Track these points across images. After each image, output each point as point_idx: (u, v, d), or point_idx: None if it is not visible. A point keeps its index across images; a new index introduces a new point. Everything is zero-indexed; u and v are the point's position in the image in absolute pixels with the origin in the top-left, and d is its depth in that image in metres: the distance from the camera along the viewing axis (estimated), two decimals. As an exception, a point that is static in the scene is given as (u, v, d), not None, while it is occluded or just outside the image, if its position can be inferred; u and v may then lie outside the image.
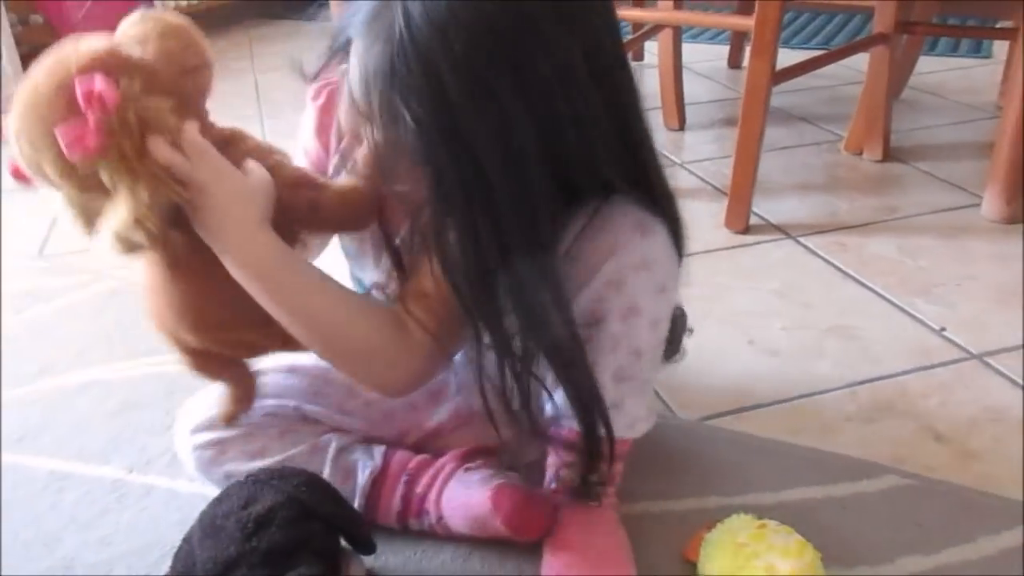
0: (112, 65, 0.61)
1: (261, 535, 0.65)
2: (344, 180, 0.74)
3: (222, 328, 0.73)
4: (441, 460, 0.81)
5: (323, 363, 0.74)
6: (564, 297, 0.65)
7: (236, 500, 0.68)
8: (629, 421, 0.73)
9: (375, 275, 0.83)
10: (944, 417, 0.94)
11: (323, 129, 0.82)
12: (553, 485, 0.76)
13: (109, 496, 0.87)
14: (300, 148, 0.86)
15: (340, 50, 0.66)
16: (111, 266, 1.39)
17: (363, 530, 0.73)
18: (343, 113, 0.68)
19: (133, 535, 0.82)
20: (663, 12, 1.79)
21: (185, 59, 0.67)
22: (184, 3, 2.83)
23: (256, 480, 0.69)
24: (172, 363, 1.08)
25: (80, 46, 0.62)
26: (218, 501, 0.70)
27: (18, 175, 0.65)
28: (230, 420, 0.79)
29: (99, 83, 0.58)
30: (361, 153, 0.67)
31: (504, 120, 0.58)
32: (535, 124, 0.59)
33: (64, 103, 0.59)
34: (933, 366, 1.03)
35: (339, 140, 0.81)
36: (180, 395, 1.01)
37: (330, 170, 0.81)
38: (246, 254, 0.67)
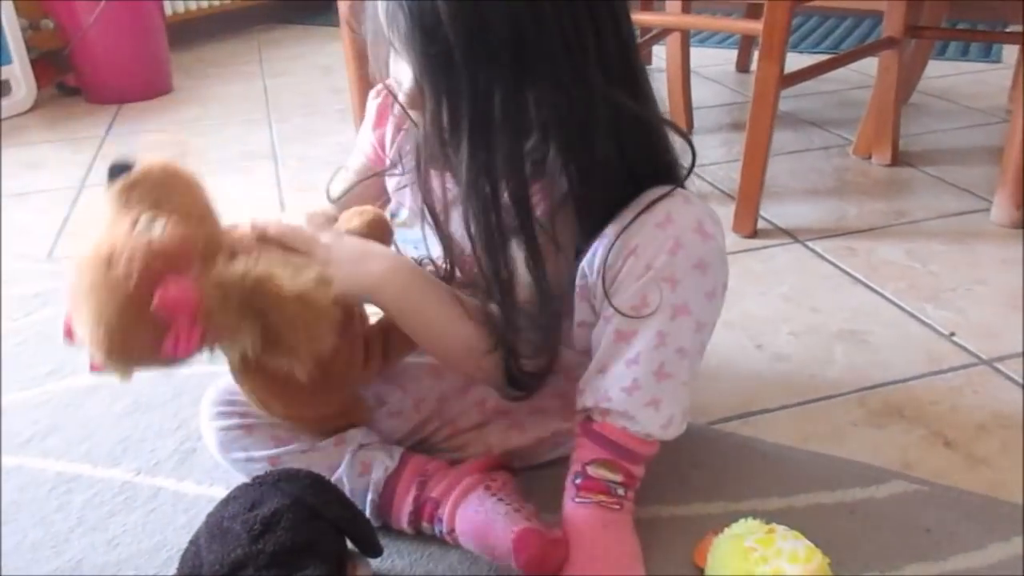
0: (163, 262, 0.61)
1: (268, 537, 0.65)
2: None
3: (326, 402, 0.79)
4: (459, 469, 0.80)
5: None
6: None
7: (243, 502, 0.68)
8: (664, 421, 0.73)
9: (430, 252, 0.86)
10: (953, 423, 0.94)
11: (380, 123, 0.89)
12: (578, 480, 0.75)
13: (117, 498, 0.87)
14: (359, 142, 0.92)
15: None
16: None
17: (370, 532, 0.73)
18: (391, 69, 0.73)
19: (141, 537, 0.82)
20: (671, 16, 1.79)
21: (198, 201, 0.68)
22: (194, 6, 2.85)
23: (262, 482, 0.70)
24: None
25: (115, 258, 0.61)
26: (225, 503, 0.70)
27: (69, 335, 0.65)
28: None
29: (172, 291, 0.60)
30: (402, 99, 0.73)
31: (481, 16, 0.62)
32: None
33: (145, 322, 0.60)
34: (942, 371, 1.03)
35: (395, 134, 0.86)
36: (189, 397, 1.02)
37: (387, 161, 0.87)
38: (392, 280, 0.75)
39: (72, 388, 1.07)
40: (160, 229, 0.62)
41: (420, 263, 0.86)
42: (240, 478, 0.78)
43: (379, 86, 0.87)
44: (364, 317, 0.83)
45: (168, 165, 0.67)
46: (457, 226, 0.77)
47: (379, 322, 0.82)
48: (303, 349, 0.65)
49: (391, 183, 0.87)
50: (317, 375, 0.67)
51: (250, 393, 0.76)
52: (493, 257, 0.70)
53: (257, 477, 0.71)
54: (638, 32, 2.02)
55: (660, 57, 1.96)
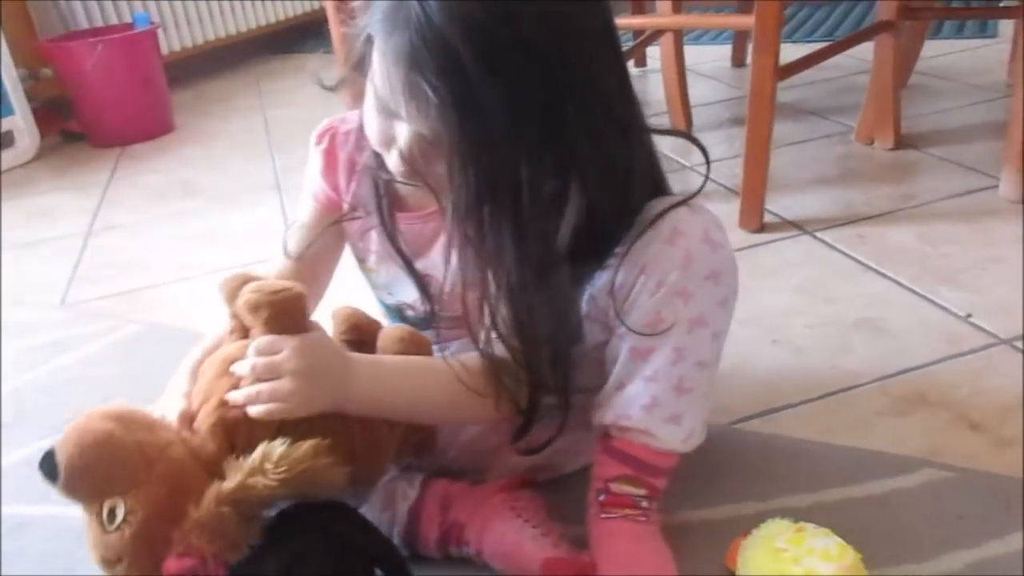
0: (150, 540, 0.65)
1: (298, 572, 0.64)
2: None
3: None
4: (483, 490, 0.80)
5: None
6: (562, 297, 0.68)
7: (268, 540, 0.67)
8: (685, 435, 0.73)
9: (404, 296, 0.84)
10: (977, 405, 0.93)
11: (329, 170, 0.85)
12: (601, 498, 0.75)
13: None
14: (308, 193, 0.88)
15: (360, 55, 0.69)
16: (133, 310, 1.40)
17: (399, 558, 0.72)
18: (369, 124, 0.70)
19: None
20: (663, 17, 1.79)
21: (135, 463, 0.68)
22: (190, 43, 2.87)
23: (285, 516, 0.69)
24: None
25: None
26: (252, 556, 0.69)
27: None
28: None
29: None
30: (392, 159, 0.69)
31: (515, 90, 0.60)
32: (545, 95, 0.61)
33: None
34: (962, 354, 1.02)
35: (348, 179, 0.83)
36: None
37: (344, 207, 0.84)
38: (362, 388, 0.70)
39: (93, 433, 1.07)
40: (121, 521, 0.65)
41: (399, 309, 0.86)
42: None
43: (320, 129, 0.85)
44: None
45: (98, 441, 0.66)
46: (437, 262, 0.76)
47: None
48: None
49: (353, 228, 0.85)
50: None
51: None
52: (517, 313, 0.68)
53: (281, 511, 0.71)
54: (631, 35, 2.02)
55: (655, 58, 1.96)
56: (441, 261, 0.76)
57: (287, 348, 0.67)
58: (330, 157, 0.85)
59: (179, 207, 1.88)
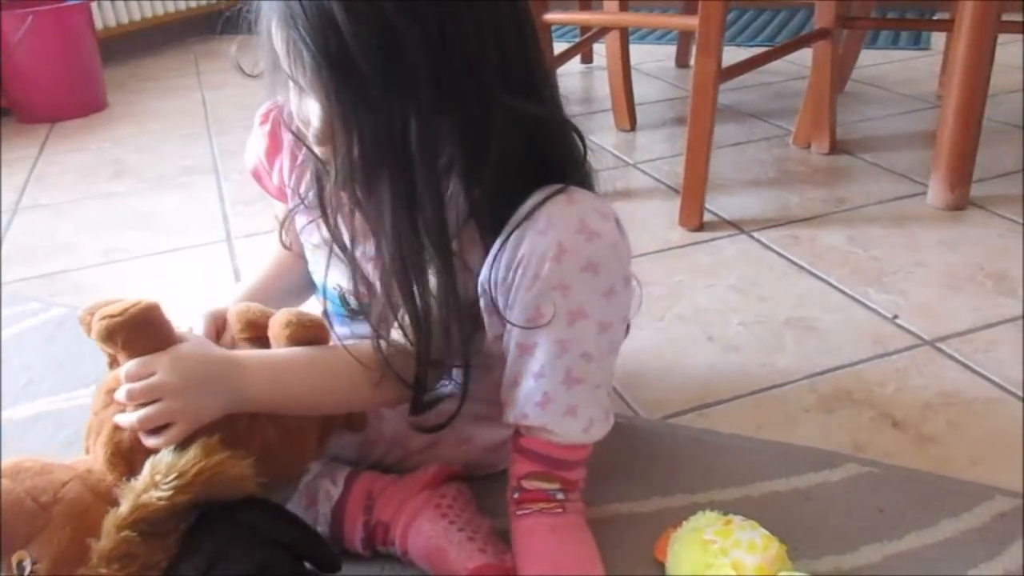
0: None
1: (219, 569, 0.62)
2: None
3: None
4: (407, 484, 0.79)
5: None
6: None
7: (189, 544, 0.64)
8: (584, 425, 0.72)
9: (335, 279, 0.82)
10: (900, 403, 0.96)
11: (273, 151, 0.84)
12: (516, 495, 0.75)
13: (64, 530, 0.85)
14: (249, 170, 0.86)
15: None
16: (58, 293, 1.36)
17: (326, 550, 0.71)
18: (290, 103, 0.69)
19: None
20: (609, 15, 1.80)
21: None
22: (126, 19, 2.78)
23: (208, 517, 0.66)
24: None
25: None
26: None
27: None
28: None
29: None
30: (311, 135, 0.68)
31: (393, 44, 0.59)
32: (425, 54, 0.60)
33: None
34: (888, 354, 1.05)
35: (292, 161, 0.81)
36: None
37: (288, 195, 0.83)
38: (257, 387, 0.69)
39: (12, 419, 1.03)
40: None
41: (342, 297, 0.84)
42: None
43: (264, 109, 0.83)
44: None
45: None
46: (363, 256, 0.75)
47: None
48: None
49: (299, 221, 0.83)
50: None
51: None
52: (408, 286, 0.67)
53: (203, 513, 0.67)
54: (577, 31, 2.03)
55: (601, 55, 1.97)
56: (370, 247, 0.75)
57: (159, 367, 0.65)
58: (273, 138, 0.84)
59: (110, 188, 1.82)
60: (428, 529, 0.75)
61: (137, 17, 2.82)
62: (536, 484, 0.74)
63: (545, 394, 0.70)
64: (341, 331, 0.83)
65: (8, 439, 1.00)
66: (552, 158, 0.71)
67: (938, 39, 2.30)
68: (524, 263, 0.67)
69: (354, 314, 0.80)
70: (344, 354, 0.71)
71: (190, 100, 2.40)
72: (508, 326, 0.70)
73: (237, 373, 0.68)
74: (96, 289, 1.36)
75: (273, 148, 0.84)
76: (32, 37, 2.17)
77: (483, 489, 0.82)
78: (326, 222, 0.76)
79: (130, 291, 1.19)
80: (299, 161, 0.81)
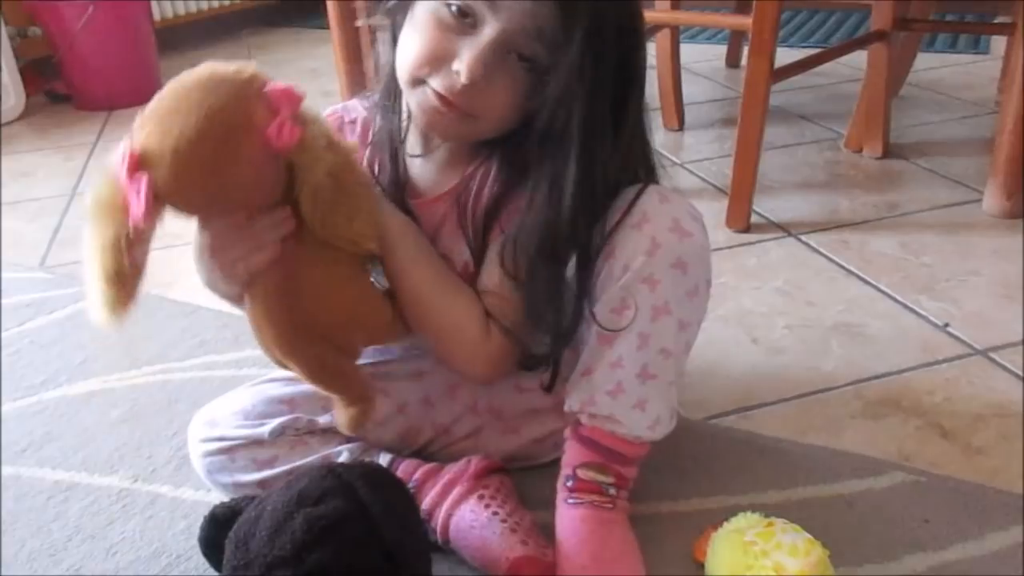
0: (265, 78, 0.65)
1: (314, 550, 0.62)
2: None
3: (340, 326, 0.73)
4: (450, 473, 0.80)
5: None
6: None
7: (316, 486, 0.66)
8: (651, 422, 0.73)
9: None
10: (949, 413, 0.94)
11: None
12: (569, 483, 0.75)
13: (115, 506, 0.87)
14: None
15: None
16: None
17: (421, 566, 0.69)
18: (412, 47, 0.69)
19: (139, 544, 0.82)
20: (661, 13, 1.79)
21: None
22: (182, 10, 2.84)
23: (342, 473, 0.67)
24: (176, 371, 1.10)
25: (230, 70, 0.65)
26: (305, 475, 0.68)
27: (147, 203, 0.61)
28: (355, 427, 0.76)
29: (282, 85, 0.64)
30: (442, 79, 0.68)
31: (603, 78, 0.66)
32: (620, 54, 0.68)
33: (248, 110, 0.62)
34: (938, 362, 1.03)
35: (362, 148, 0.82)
36: (184, 403, 1.02)
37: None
38: (409, 231, 0.74)
39: (67, 397, 1.06)
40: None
41: None
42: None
43: (327, 114, 0.83)
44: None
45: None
46: (448, 244, 0.77)
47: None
48: (366, 211, 0.68)
49: None
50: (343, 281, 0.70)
51: (259, 308, 0.70)
52: (557, 266, 0.71)
53: (339, 466, 0.69)
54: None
55: (651, 54, 1.96)
56: (454, 241, 0.77)
57: None
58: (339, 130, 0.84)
59: (164, 175, 1.85)
60: (471, 518, 0.75)
61: (194, 9, 2.88)
62: (591, 475, 0.74)
63: (619, 384, 0.71)
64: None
65: (62, 415, 1.03)
66: (643, 161, 0.75)
67: (998, 43, 2.24)
68: (616, 254, 0.69)
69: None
70: (472, 292, 0.75)
71: (243, 91, 2.44)
72: (588, 318, 0.71)
73: (407, 220, 0.74)
74: (150, 274, 1.39)
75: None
76: (92, 27, 2.23)
77: (523, 482, 0.82)
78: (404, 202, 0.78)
79: (183, 276, 1.22)
80: (368, 146, 0.81)
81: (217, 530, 0.70)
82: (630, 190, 0.71)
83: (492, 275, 0.74)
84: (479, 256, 0.76)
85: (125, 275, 0.64)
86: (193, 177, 0.61)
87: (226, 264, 0.69)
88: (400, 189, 0.78)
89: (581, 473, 0.75)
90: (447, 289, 0.75)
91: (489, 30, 0.65)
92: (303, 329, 0.69)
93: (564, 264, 0.71)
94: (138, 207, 0.60)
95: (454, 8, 0.66)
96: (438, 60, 0.67)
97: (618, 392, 0.71)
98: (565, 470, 0.76)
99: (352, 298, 0.72)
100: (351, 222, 0.67)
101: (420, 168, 0.79)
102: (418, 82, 0.69)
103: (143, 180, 0.60)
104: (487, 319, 0.74)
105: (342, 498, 0.65)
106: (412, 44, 0.69)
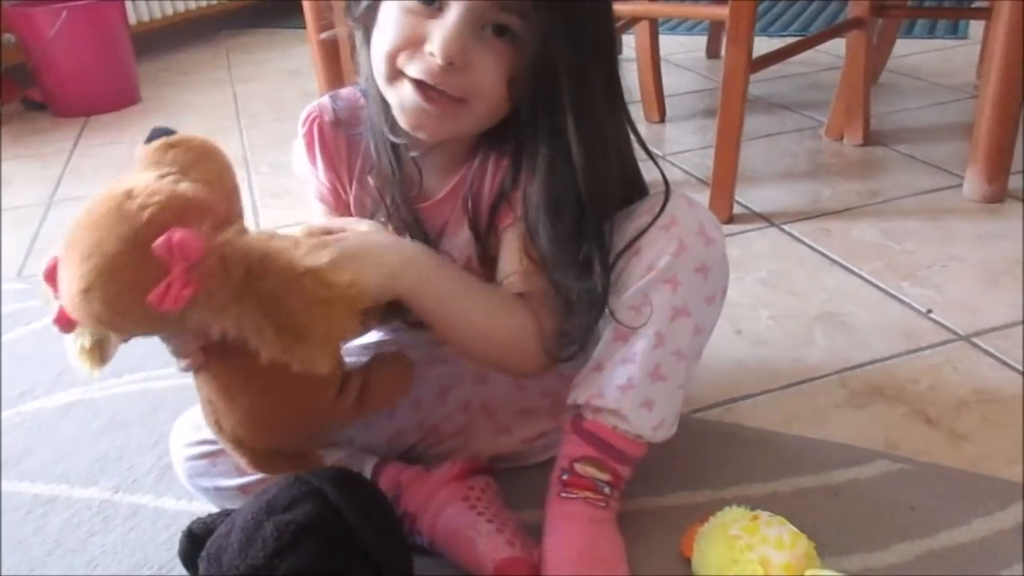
0: (179, 209, 0.58)
1: (288, 554, 0.61)
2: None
3: (287, 430, 0.71)
4: (435, 477, 0.79)
5: None
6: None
7: (286, 494, 0.65)
8: (656, 423, 0.73)
9: None
10: (934, 400, 0.94)
11: (325, 153, 0.82)
12: (565, 477, 0.74)
13: (95, 518, 0.86)
14: (314, 194, 0.85)
15: None
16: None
17: (402, 566, 0.69)
18: (391, 31, 0.68)
19: (121, 556, 0.81)
20: (637, 5, 1.78)
21: (226, 179, 0.65)
22: (159, 14, 2.81)
23: (309, 481, 0.66)
24: (156, 380, 1.08)
25: (135, 193, 0.58)
26: (273, 489, 0.67)
27: (63, 322, 0.62)
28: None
29: (179, 236, 0.56)
30: (419, 63, 0.67)
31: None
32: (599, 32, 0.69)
33: (141, 260, 0.56)
34: (921, 349, 1.03)
35: (348, 161, 0.81)
36: (166, 412, 1.00)
37: (351, 193, 0.82)
38: (408, 270, 0.70)
39: (46, 408, 1.05)
40: (187, 186, 0.60)
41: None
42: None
43: (304, 115, 0.81)
44: (340, 357, 0.72)
45: (208, 141, 0.65)
46: (455, 242, 0.77)
47: (363, 365, 0.74)
48: (320, 333, 0.60)
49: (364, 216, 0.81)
50: (283, 392, 0.65)
51: (208, 402, 0.69)
52: (573, 249, 0.70)
53: (307, 474, 0.67)
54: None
55: (630, 47, 1.95)
56: (459, 240, 0.76)
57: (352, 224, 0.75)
58: (323, 148, 0.81)
59: (143, 180, 1.83)
60: (456, 520, 0.75)
61: (170, 12, 2.85)
62: (588, 470, 0.74)
63: (629, 379, 0.71)
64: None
65: (41, 427, 1.01)
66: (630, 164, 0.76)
67: (976, 28, 2.25)
68: (641, 252, 0.70)
69: (412, 327, 0.80)
70: (505, 292, 0.73)
71: (221, 94, 2.42)
72: (606, 313, 0.71)
73: (407, 257, 0.72)
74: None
75: (324, 151, 0.81)
76: (66, 32, 2.20)
77: (509, 483, 0.82)
78: (413, 219, 0.77)
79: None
80: (355, 163, 0.80)
81: (194, 546, 0.69)
82: (656, 195, 0.72)
83: (512, 260, 0.73)
84: (485, 250, 0.76)
85: (93, 354, 0.67)
86: (87, 320, 0.60)
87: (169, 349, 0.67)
88: (407, 196, 0.77)
89: (578, 468, 0.74)
90: (490, 303, 0.73)
91: (455, 6, 0.65)
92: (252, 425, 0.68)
93: (584, 231, 0.70)
94: (58, 320, 0.62)
95: None
96: (411, 45, 0.67)
97: (628, 388, 0.71)
98: (561, 463, 0.75)
99: (296, 403, 0.68)
100: (299, 343, 0.59)
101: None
102: (396, 75, 0.69)
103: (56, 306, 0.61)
104: (529, 309, 0.73)
105: (312, 502, 0.64)
106: (384, 37, 0.69)
